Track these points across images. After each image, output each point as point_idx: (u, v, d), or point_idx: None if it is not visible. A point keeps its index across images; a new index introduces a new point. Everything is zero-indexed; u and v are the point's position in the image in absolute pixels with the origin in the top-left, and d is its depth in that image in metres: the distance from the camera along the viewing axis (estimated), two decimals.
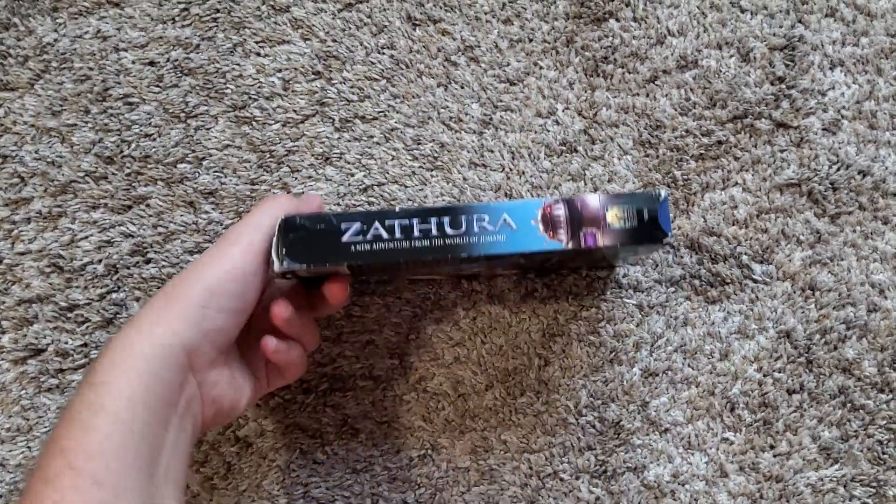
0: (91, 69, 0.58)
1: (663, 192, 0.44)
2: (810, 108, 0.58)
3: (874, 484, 0.54)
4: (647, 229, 0.44)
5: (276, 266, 0.42)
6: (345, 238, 0.43)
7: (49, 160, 0.58)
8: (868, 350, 0.56)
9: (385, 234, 0.43)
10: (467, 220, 0.43)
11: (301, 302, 0.49)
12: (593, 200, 0.44)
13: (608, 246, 0.43)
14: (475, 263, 0.47)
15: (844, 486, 0.54)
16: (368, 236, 0.43)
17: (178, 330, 0.41)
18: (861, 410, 0.55)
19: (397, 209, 0.43)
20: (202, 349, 0.42)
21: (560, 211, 0.43)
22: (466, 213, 0.43)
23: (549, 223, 0.43)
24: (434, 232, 0.43)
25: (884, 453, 0.55)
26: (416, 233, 0.43)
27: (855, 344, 0.56)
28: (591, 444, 0.55)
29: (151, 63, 0.59)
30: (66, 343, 0.56)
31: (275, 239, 0.43)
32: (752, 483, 0.55)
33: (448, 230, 0.43)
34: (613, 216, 0.44)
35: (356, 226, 0.43)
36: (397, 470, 0.55)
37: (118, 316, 0.56)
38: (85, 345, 0.56)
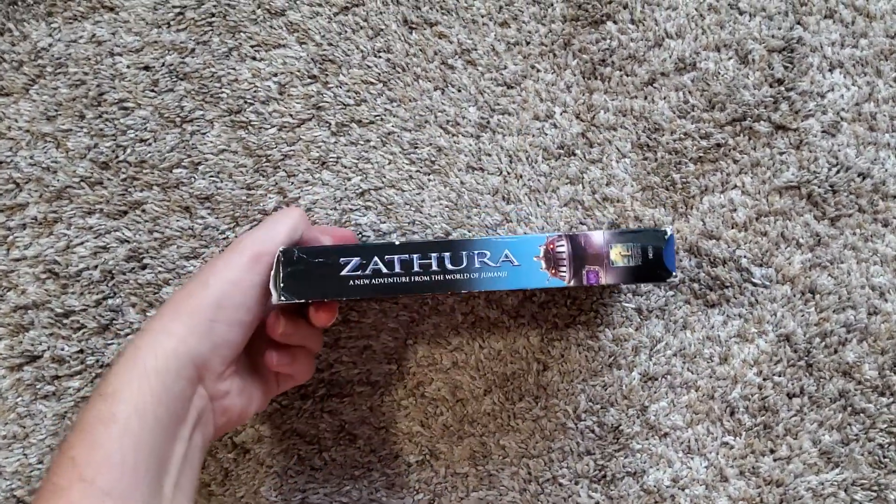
0: (86, 74, 0.58)
1: (669, 230, 0.44)
2: (809, 111, 0.58)
3: (875, 488, 0.54)
4: (652, 267, 0.44)
5: (274, 298, 0.43)
6: (344, 272, 0.43)
7: (44, 166, 0.57)
8: (868, 353, 0.55)
9: (384, 269, 0.43)
10: (468, 256, 0.43)
11: (300, 309, 0.49)
12: (597, 237, 0.43)
13: (611, 284, 0.44)
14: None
15: (845, 491, 0.54)
16: (368, 271, 0.43)
17: (188, 343, 0.41)
18: (862, 414, 0.55)
19: (397, 243, 0.44)
20: (211, 362, 0.42)
21: (563, 248, 0.43)
22: (467, 248, 0.43)
23: (552, 260, 0.43)
24: (434, 267, 0.43)
25: (885, 457, 0.54)
26: (415, 268, 0.43)
27: (855, 347, 0.56)
28: (590, 448, 0.55)
29: (146, 67, 0.58)
30: (63, 350, 0.56)
31: (273, 271, 0.43)
32: (752, 487, 0.54)
33: (448, 266, 0.43)
34: (617, 254, 0.44)
35: (355, 261, 0.43)
36: (395, 476, 0.55)
37: (114, 322, 0.56)
38: (81, 351, 0.56)
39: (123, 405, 0.39)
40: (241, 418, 0.46)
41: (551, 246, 0.43)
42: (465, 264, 0.43)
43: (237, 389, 0.45)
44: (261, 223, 0.45)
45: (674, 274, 0.44)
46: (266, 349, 0.47)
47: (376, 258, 0.43)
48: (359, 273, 0.43)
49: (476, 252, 0.43)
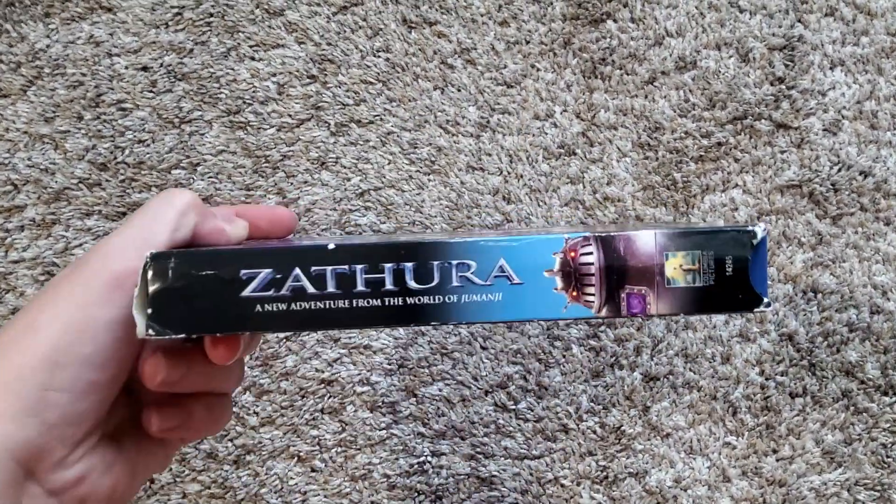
0: (84, 75, 0.58)
1: (760, 230, 0.28)
2: (811, 109, 0.57)
3: (878, 487, 0.54)
4: (731, 290, 0.28)
5: (140, 331, 0.27)
6: (246, 292, 0.28)
7: (42, 167, 0.57)
8: (871, 352, 0.55)
9: (311, 289, 0.28)
10: (441, 269, 0.28)
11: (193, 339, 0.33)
12: (645, 240, 0.28)
13: (665, 315, 0.28)
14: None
15: (848, 490, 0.54)
16: (284, 290, 0.28)
17: (6, 432, 0.27)
18: (864, 413, 0.55)
19: (331, 246, 0.28)
20: (47, 448, 0.28)
21: (590, 256, 0.28)
22: (440, 256, 0.28)
23: (572, 276, 0.28)
24: (389, 286, 0.28)
25: (888, 457, 0.54)
26: (359, 286, 0.28)
27: (858, 346, 0.55)
28: (592, 449, 0.55)
29: (145, 68, 0.58)
30: None
31: (137, 289, 0.27)
32: (754, 488, 0.54)
33: (411, 284, 0.28)
34: (677, 267, 0.28)
35: (264, 274, 0.28)
36: (396, 477, 0.55)
37: None
38: None
39: None
40: (122, 498, 0.32)
41: (572, 253, 0.28)
42: (436, 281, 0.28)
43: (102, 467, 0.30)
44: (126, 219, 0.31)
45: (766, 301, 0.28)
46: (144, 405, 0.32)
47: (298, 270, 0.28)
48: (270, 294, 0.28)
49: (454, 263, 0.28)
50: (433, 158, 0.57)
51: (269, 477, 0.54)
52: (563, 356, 0.55)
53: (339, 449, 0.55)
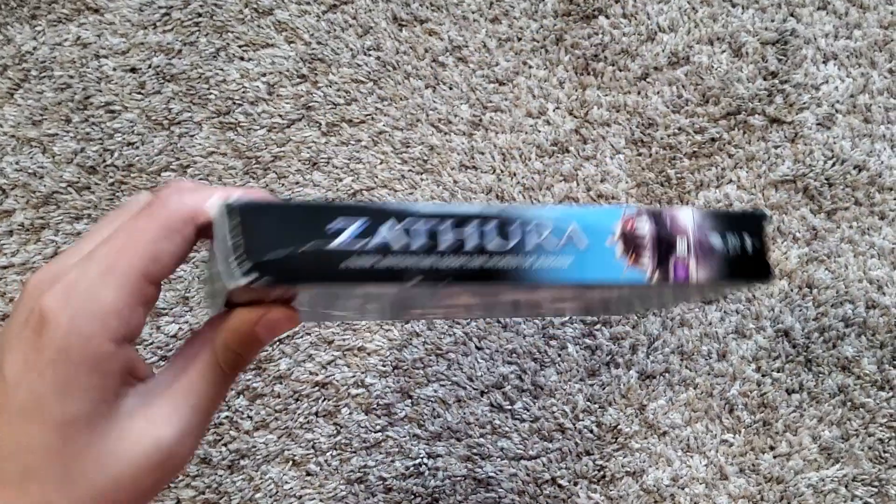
0: (71, 77, 0.57)
1: (769, 214, 0.34)
2: (804, 103, 0.57)
3: (876, 483, 0.54)
4: (751, 263, 0.33)
5: (234, 279, 0.26)
6: (334, 244, 0.27)
7: (30, 171, 0.56)
8: (867, 347, 0.55)
9: (397, 243, 0.28)
10: (521, 232, 0.29)
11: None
12: (685, 217, 0.32)
13: (703, 281, 0.32)
14: (504, 304, 0.35)
15: (846, 487, 0.54)
16: (371, 245, 0.27)
17: None
18: (861, 409, 0.54)
19: (418, 207, 0.28)
20: None
21: (645, 227, 0.31)
22: (521, 221, 0.29)
23: (631, 243, 0.31)
24: (470, 245, 0.29)
25: (885, 452, 0.54)
26: (443, 244, 0.28)
27: (854, 341, 0.55)
28: (588, 448, 0.54)
29: (133, 70, 0.57)
30: None
31: (226, 234, 0.26)
32: (752, 485, 0.54)
33: (491, 244, 0.29)
34: (711, 242, 0.32)
35: (356, 225, 0.27)
36: (392, 480, 0.54)
37: None
38: None
39: None
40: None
41: (630, 224, 0.31)
42: (515, 241, 0.29)
43: None
44: (85, 238, 0.29)
45: (773, 273, 0.34)
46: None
47: (392, 223, 0.28)
48: (358, 245, 0.27)
49: (532, 226, 0.29)
50: (425, 157, 0.57)
51: (263, 481, 0.54)
52: (559, 355, 0.55)
53: (335, 452, 0.54)
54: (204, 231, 0.28)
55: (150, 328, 0.55)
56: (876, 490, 0.54)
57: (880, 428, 0.54)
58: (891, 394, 0.54)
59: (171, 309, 0.55)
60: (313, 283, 0.27)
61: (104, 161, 0.56)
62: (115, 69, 0.57)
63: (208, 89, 0.57)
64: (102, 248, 0.27)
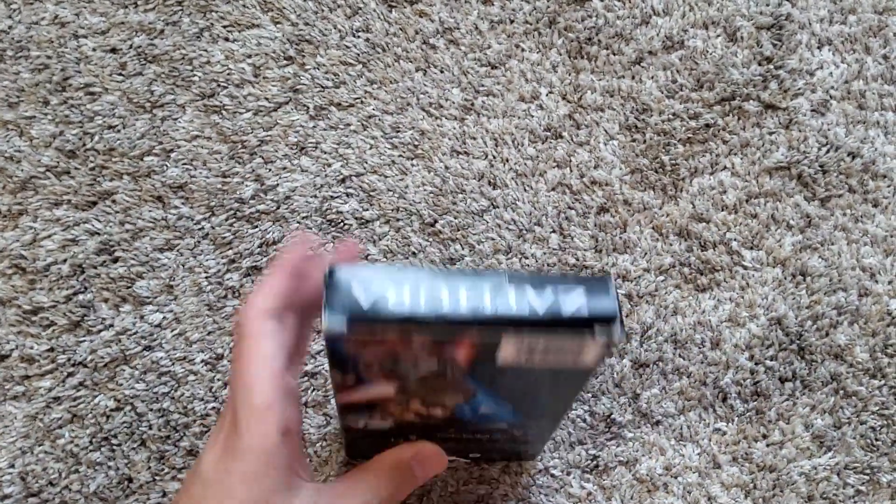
0: (49, 57, 0.55)
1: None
2: (798, 89, 0.57)
3: (868, 471, 0.54)
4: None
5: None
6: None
7: (7, 155, 0.54)
8: (860, 335, 0.55)
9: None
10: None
11: None
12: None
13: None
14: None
15: (838, 475, 0.54)
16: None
17: None
18: (854, 397, 0.54)
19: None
20: None
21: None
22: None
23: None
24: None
25: (877, 440, 0.54)
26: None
27: (847, 329, 0.55)
28: (581, 438, 0.54)
29: (113, 50, 0.56)
30: (32, 348, 0.53)
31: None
32: (745, 473, 0.54)
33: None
34: None
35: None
36: None
37: (86, 318, 0.54)
38: (51, 349, 0.53)
39: None
40: None
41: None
42: None
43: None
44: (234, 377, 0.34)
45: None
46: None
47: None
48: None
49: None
50: (416, 142, 0.55)
51: None
52: None
53: (324, 443, 0.53)
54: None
55: (133, 317, 0.54)
56: (868, 478, 0.54)
57: (872, 416, 0.54)
58: (883, 382, 0.54)
59: (155, 298, 0.54)
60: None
61: (84, 145, 0.55)
62: (94, 49, 0.55)
63: (192, 71, 0.56)
64: None
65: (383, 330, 0.32)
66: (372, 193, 0.55)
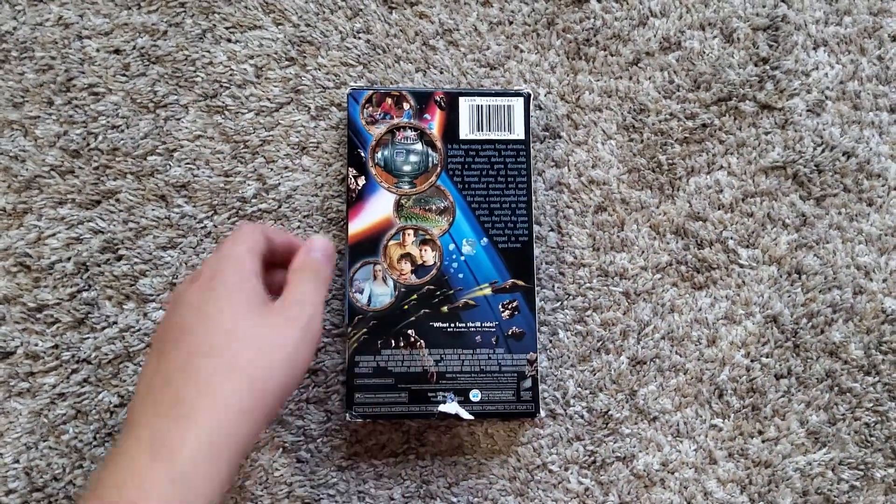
0: (53, 58, 0.56)
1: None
2: (794, 90, 0.57)
3: (862, 466, 0.54)
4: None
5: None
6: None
7: (12, 154, 0.55)
8: (854, 333, 0.56)
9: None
10: None
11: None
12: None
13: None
14: None
15: (832, 470, 0.54)
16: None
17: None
18: (848, 394, 0.55)
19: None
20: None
21: None
22: None
23: None
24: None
25: (871, 436, 0.55)
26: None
27: (841, 327, 0.56)
28: (579, 434, 0.55)
29: (117, 51, 0.56)
30: (36, 345, 0.54)
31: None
32: (741, 469, 0.54)
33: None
34: None
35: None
36: (383, 466, 0.54)
37: (89, 316, 0.54)
38: (56, 346, 0.54)
39: None
40: None
41: None
42: None
43: None
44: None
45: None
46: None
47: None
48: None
49: None
50: None
51: (253, 469, 0.54)
52: (550, 341, 0.55)
53: (325, 439, 0.54)
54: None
55: (136, 315, 0.54)
56: (862, 473, 0.54)
57: (866, 412, 0.55)
58: (877, 379, 0.55)
59: (159, 295, 0.55)
60: None
61: (88, 144, 0.55)
62: (98, 50, 0.56)
63: (195, 72, 0.56)
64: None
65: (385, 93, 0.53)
66: None
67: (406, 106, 0.54)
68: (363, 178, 0.53)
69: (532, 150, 0.56)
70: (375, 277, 0.52)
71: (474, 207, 0.53)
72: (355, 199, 0.53)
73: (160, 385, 0.38)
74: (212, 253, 0.48)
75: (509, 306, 0.52)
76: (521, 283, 0.53)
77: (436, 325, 0.52)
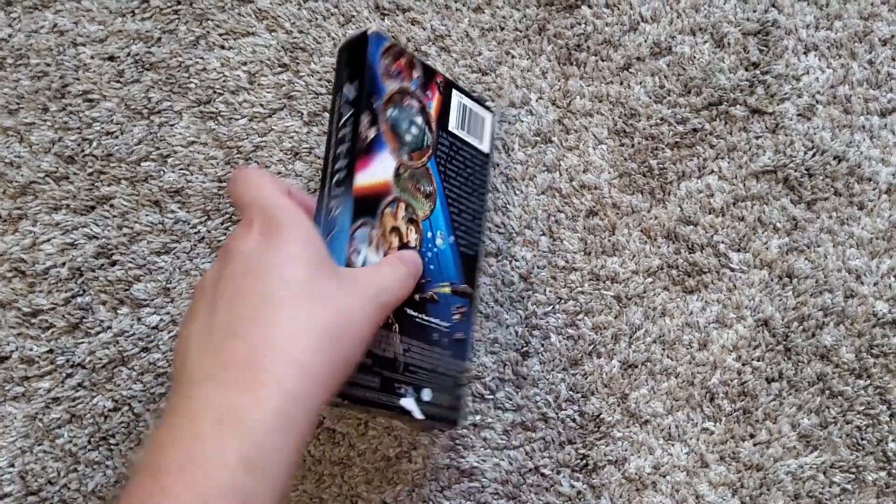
0: (48, 65, 0.56)
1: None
2: (785, 94, 0.57)
3: (853, 470, 0.54)
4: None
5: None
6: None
7: (7, 161, 0.56)
8: (846, 336, 0.56)
9: None
10: None
11: None
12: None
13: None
14: None
15: (824, 473, 0.54)
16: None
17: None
18: (839, 397, 0.55)
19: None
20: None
21: None
22: None
23: None
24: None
25: (862, 439, 0.55)
26: None
27: (832, 330, 0.56)
28: (571, 437, 0.55)
29: (111, 58, 0.57)
30: (31, 350, 0.54)
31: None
32: (732, 472, 0.55)
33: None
34: None
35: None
36: (375, 470, 0.54)
37: (84, 320, 0.55)
38: (50, 351, 0.54)
39: None
40: None
41: None
42: None
43: None
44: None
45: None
46: None
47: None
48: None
49: None
50: None
51: None
52: (542, 345, 0.55)
53: (317, 442, 0.54)
54: None
55: (131, 320, 0.55)
56: (853, 476, 0.54)
57: (858, 416, 0.55)
58: (868, 382, 0.55)
59: (153, 300, 0.55)
60: None
61: (83, 150, 0.56)
62: (92, 57, 0.57)
63: (188, 78, 0.57)
64: None
65: (402, 50, 0.49)
66: None
67: (415, 74, 0.50)
68: (374, 129, 0.47)
69: (524, 154, 0.56)
70: (371, 242, 0.47)
71: (450, 202, 0.52)
72: (364, 151, 0.46)
73: (221, 337, 0.34)
74: (235, 195, 0.41)
75: (460, 310, 0.52)
76: (469, 290, 0.52)
77: (409, 311, 0.48)
